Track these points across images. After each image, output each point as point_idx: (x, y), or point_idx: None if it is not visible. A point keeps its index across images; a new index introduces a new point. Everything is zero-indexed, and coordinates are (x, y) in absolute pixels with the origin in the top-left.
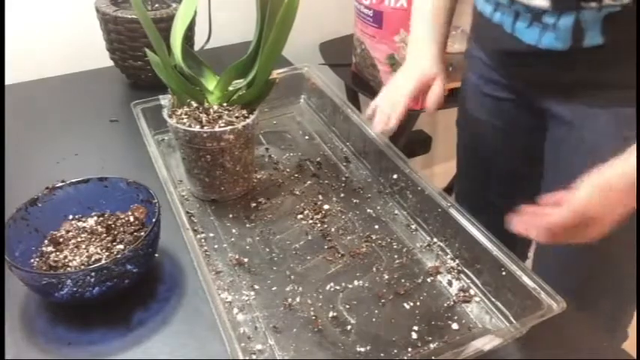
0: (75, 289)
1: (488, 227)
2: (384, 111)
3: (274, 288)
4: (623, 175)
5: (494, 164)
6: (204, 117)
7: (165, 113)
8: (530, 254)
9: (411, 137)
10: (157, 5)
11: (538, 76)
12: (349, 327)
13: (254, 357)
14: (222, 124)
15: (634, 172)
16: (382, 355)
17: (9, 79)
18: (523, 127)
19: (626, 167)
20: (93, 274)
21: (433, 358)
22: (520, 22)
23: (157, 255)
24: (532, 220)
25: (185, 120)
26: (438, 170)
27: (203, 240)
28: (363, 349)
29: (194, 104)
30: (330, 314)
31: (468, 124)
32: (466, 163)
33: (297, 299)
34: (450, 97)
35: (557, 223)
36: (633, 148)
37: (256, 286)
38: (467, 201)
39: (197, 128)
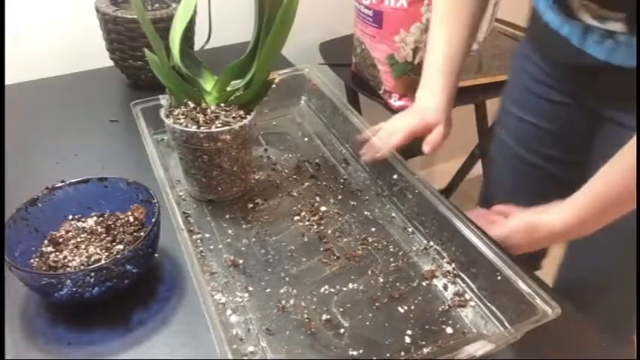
0: (75, 289)
1: None
2: (381, 136)
3: (268, 290)
4: (549, 225)
5: (537, 167)
6: (201, 117)
7: (162, 113)
8: (544, 262)
9: None
10: (156, 5)
11: (602, 87)
12: (342, 330)
13: (245, 359)
14: (219, 125)
15: (565, 225)
16: (375, 358)
17: (9, 79)
18: (575, 131)
19: (555, 219)
20: (93, 274)
21: None
22: (590, 38)
23: (156, 255)
24: (485, 219)
25: (182, 120)
26: (438, 170)
27: (199, 241)
28: (355, 353)
29: (191, 104)
30: (324, 317)
31: (513, 125)
32: (503, 163)
33: (291, 301)
34: None
35: (493, 234)
36: (576, 198)
37: (250, 288)
38: (494, 202)
39: (194, 128)
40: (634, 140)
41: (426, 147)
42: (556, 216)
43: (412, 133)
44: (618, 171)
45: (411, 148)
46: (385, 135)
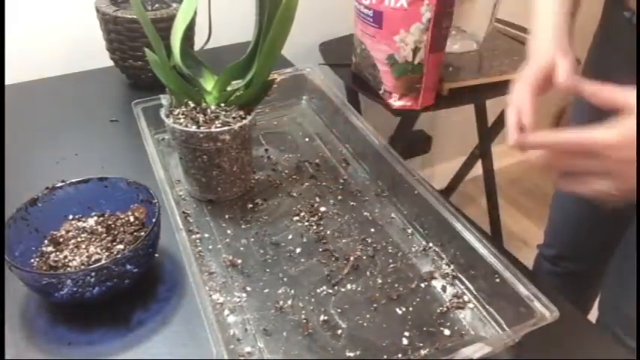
0: (75, 289)
1: None
2: (512, 124)
3: (266, 290)
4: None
5: None
6: (201, 117)
7: (162, 113)
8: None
9: (411, 137)
10: (157, 5)
11: None
12: (340, 331)
13: (242, 359)
14: (219, 125)
15: None
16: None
17: (9, 79)
18: None
19: None
20: (93, 274)
21: None
22: None
23: (157, 255)
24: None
25: (182, 120)
26: (438, 170)
27: (198, 240)
28: (352, 354)
29: (191, 104)
30: (321, 318)
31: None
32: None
33: (289, 302)
34: (449, 98)
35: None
36: None
37: (248, 288)
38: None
39: (193, 128)
40: None
41: (558, 79)
42: None
43: (537, 83)
44: None
45: (412, 147)
46: (515, 110)
